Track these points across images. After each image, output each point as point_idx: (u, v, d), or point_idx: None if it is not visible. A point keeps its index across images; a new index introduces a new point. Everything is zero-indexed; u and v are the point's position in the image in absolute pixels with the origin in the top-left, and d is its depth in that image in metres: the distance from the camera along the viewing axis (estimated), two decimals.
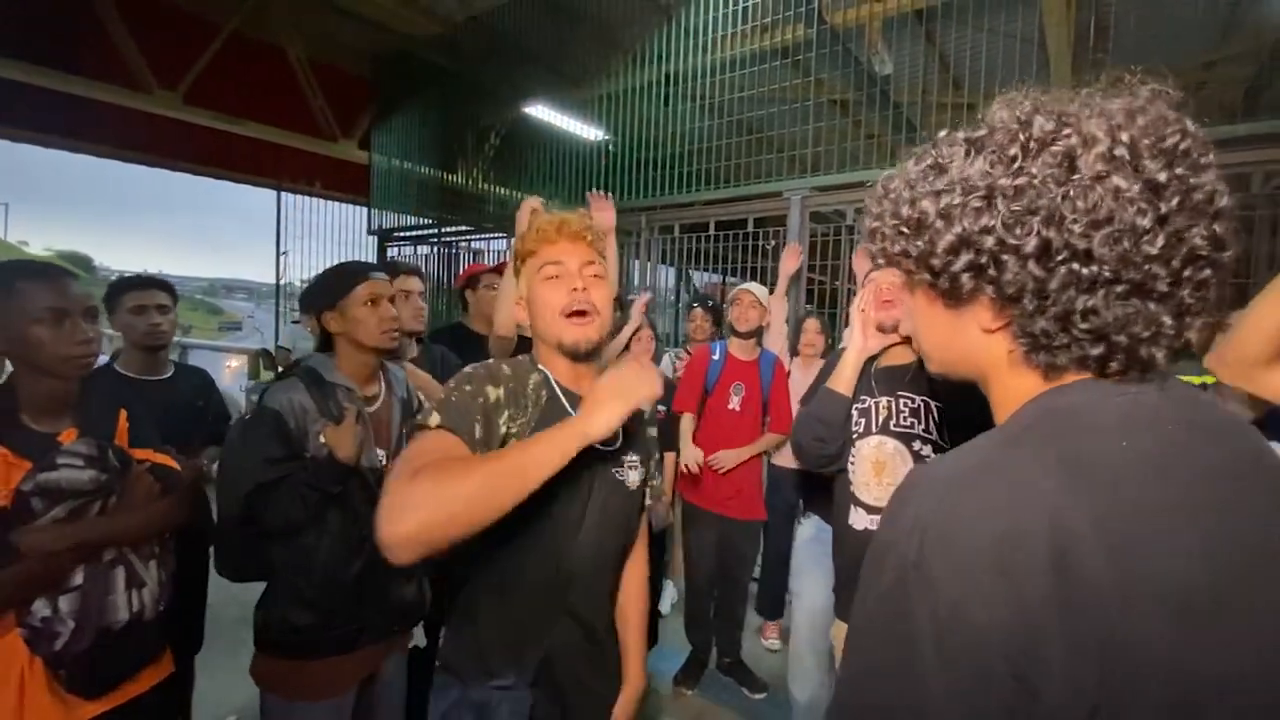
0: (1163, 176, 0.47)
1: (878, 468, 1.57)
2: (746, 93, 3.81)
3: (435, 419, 0.92)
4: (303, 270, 6.33)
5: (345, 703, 1.47)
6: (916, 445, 1.53)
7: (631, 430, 1.14)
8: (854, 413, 1.64)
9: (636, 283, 4.46)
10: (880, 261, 0.64)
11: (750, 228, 3.83)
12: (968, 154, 0.54)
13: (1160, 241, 0.47)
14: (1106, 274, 0.48)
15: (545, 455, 0.83)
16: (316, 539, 1.41)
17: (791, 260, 3.11)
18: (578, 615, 1.06)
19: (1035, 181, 0.49)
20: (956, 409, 1.47)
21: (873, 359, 1.67)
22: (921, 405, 1.55)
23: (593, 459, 1.04)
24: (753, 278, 3.70)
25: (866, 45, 4.07)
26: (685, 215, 4.13)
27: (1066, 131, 0.49)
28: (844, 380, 1.61)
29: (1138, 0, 3.35)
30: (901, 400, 1.56)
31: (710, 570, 2.78)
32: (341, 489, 1.41)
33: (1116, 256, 0.47)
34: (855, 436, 1.62)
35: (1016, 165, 0.50)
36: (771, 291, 2.96)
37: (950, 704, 0.44)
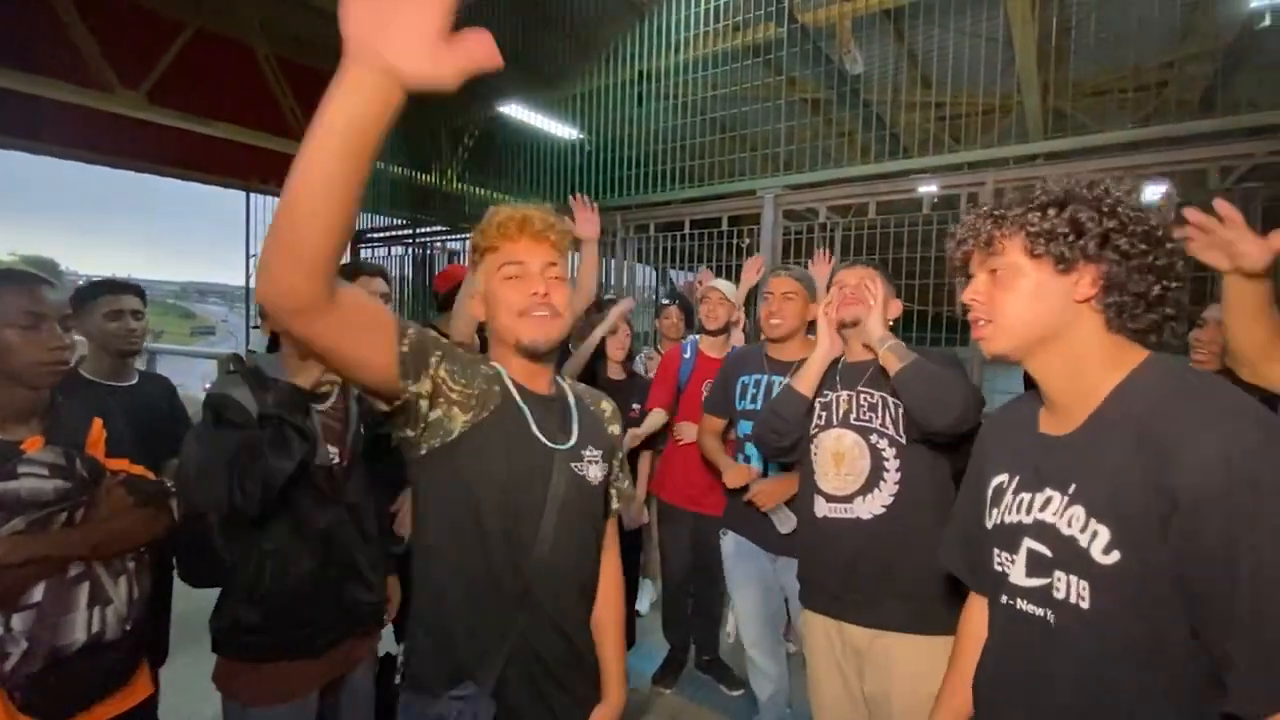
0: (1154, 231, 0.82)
1: (837, 459, 1.63)
2: (720, 91, 3.83)
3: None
4: None
5: (307, 707, 1.44)
6: (873, 438, 1.58)
7: (587, 424, 1.12)
8: (817, 406, 1.69)
9: (614, 282, 4.45)
10: (988, 233, 0.87)
11: (725, 226, 3.85)
12: (1071, 189, 0.84)
13: (1179, 257, 0.81)
14: (1168, 262, 0.79)
15: (334, 85, 0.66)
16: (266, 538, 1.39)
17: (751, 273, 3.05)
18: (544, 617, 1.02)
19: (1128, 203, 0.82)
20: None
21: (838, 357, 1.71)
22: (880, 400, 1.59)
23: (551, 454, 1.03)
24: (728, 276, 3.71)
25: (837, 44, 4.11)
26: (661, 214, 4.13)
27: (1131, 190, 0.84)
28: (806, 380, 1.66)
29: (1099, 1, 3.42)
30: (861, 395, 1.62)
31: (686, 568, 2.78)
32: (305, 420, 1.36)
33: (1171, 252, 0.80)
34: (818, 429, 1.67)
35: (1115, 199, 0.82)
36: (761, 287, 2.97)
37: None
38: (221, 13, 5.55)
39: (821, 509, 1.63)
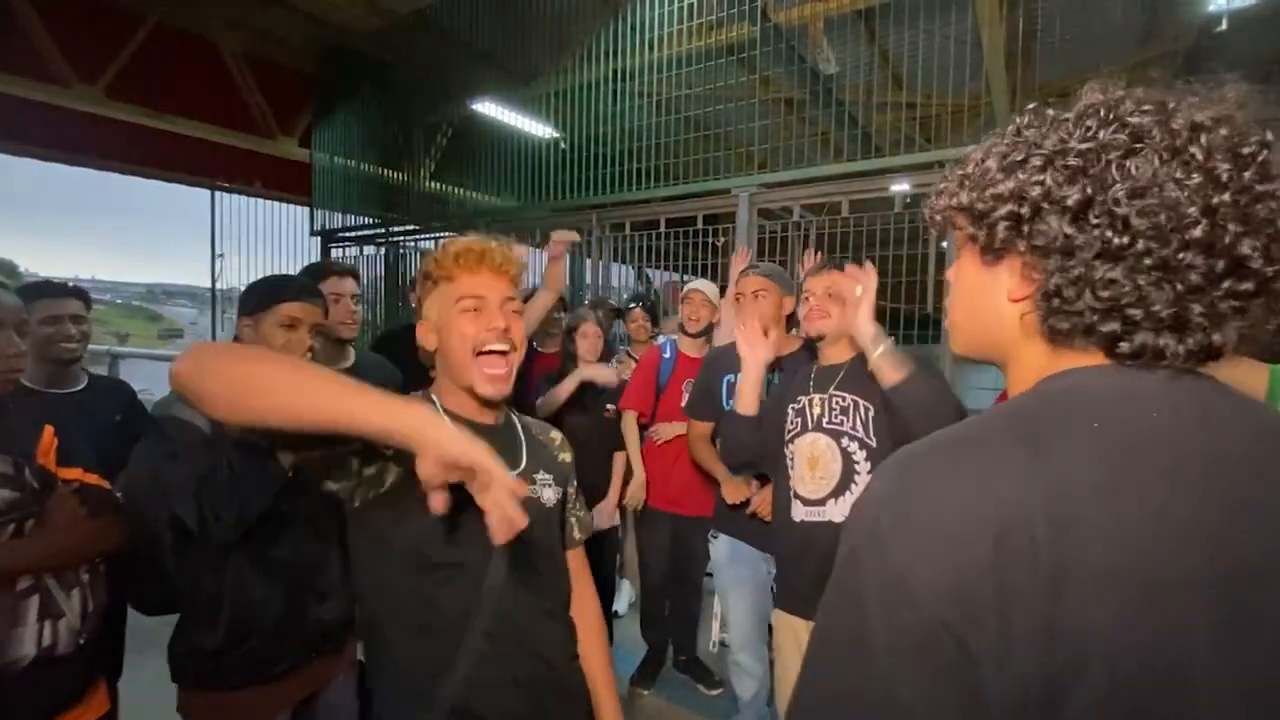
0: (1225, 175, 0.47)
1: (811, 463, 1.65)
2: (695, 90, 3.82)
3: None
4: (242, 274, 6.07)
5: None
6: (844, 442, 1.61)
7: (536, 451, 1.11)
8: (791, 412, 1.71)
9: (589, 281, 4.43)
10: (940, 218, 0.64)
11: (700, 224, 3.85)
12: (1049, 124, 0.55)
13: (1199, 232, 0.46)
14: (1138, 246, 0.47)
15: (373, 405, 0.74)
16: (223, 563, 1.34)
17: (740, 264, 3.04)
18: (510, 643, 0.98)
19: (1097, 146, 0.50)
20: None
21: (813, 358, 1.73)
22: (851, 404, 1.61)
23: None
24: (703, 275, 3.71)
25: (810, 44, 4.13)
26: (636, 213, 4.12)
27: (1148, 108, 0.50)
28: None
29: (1065, 4, 3.48)
30: (834, 399, 1.64)
31: (664, 569, 2.77)
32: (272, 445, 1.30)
33: (1151, 230, 0.47)
34: (794, 434, 1.69)
35: (1089, 132, 0.51)
36: (723, 293, 2.95)
37: (895, 662, 0.45)
38: (184, 6, 5.39)
39: (798, 513, 1.65)
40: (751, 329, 1.67)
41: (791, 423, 1.71)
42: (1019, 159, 0.54)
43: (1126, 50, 4.45)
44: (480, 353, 0.99)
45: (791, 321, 2.10)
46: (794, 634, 1.67)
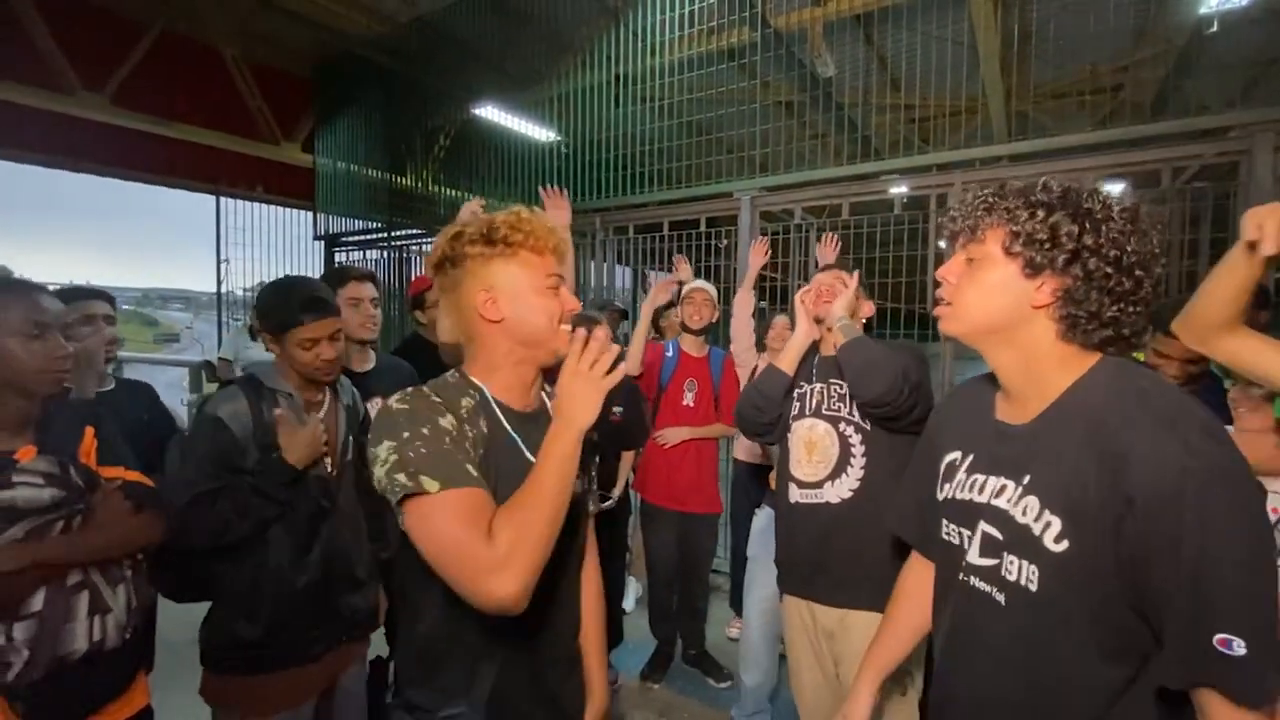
0: (1160, 254, 0.84)
1: (809, 447, 1.71)
2: (696, 94, 3.88)
3: (432, 483, 0.83)
4: (245, 278, 6.11)
5: (301, 715, 1.45)
6: (842, 427, 1.68)
7: None
8: (793, 396, 1.77)
9: (593, 283, 4.48)
10: (973, 227, 0.89)
11: (703, 227, 3.90)
12: (1072, 191, 0.85)
13: (1148, 284, 0.82)
14: (1130, 288, 0.81)
15: (564, 460, 0.89)
16: (262, 552, 1.39)
17: (759, 256, 2.96)
18: (540, 629, 1.00)
19: (1116, 225, 0.81)
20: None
21: (815, 350, 1.80)
22: (849, 391, 1.67)
23: (527, 470, 1.00)
24: (706, 277, 3.76)
25: (809, 48, 4.19)
26: (639, 216, 4.17)
27: (1129, 203, 0.84)
28: (787, 360, 1.77)
29: (1058, 8, 3.55)
30: (832, 386, 1.71)
31: (671, 565, 2.83)
32: (287, 498, 1.39)
33: (1139, 280, 0.81)
34: (793, 418, 1.76)
35: (1105, 210, 0.82)
36: (723, 295, 3.00)
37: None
38: (188, 14, 5.44)
39: (794, 495, 1.72)
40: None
41: (793, 406, 1.77)
42: (1071, 213, 0.82)
43: (1120, 51, 4.52)
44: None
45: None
46: (800, 619, 1.72)
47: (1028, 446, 0.86)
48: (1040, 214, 0.83)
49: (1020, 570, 0.84)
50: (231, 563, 1.39)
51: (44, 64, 4.78)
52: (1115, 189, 2.90)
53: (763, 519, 2.36)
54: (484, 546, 0.80)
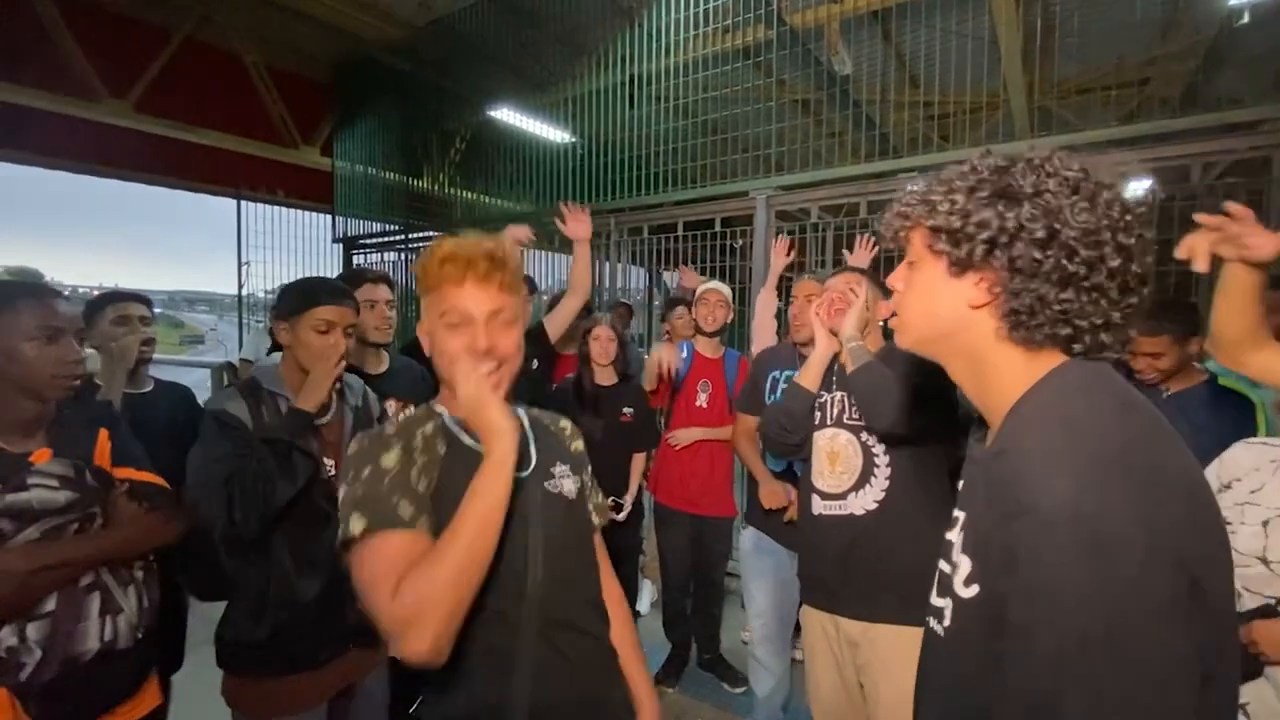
0: (1124, 222, 0.67)
1: (832, 458, 1.68)
2: (711, 94, 3.86)
3: (359, 525, 0.87)
4: (266, 280, 6.19)
5: (314, 717, 1.45)
6: (864, 437, 1.64)
7: (547, 445, 1.11)
8: (813, 406, 1.73)
9: (607, 284, 4.47)
10: (896, 233, 0.80)
11: (718, 227, 3.88)
12: (1003, 169, 0.71)
13: (1115, 262, 0.66)
14: (1081, 271, 0.66)
15: (492, 500, 0.86)
16: (268, 554, 1.40)
17: (781, 256, 2.84)
18: (563, 636, 0.99)
19: (1049, 193, 0.67)
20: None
21: (835, 358, 1.75)
22: (863, 422, 1.62)
23: (517, 483, 0.98)
24: (721, 277, 3.74)
25: (826, 46, 4.15)
26: (654, 216, 4.16)
27: (1074, 166, 0.69)
28: (810, 377, 1.72)
29: (1082, 1, 3.47)
30: (853, 397, 1.66)
31: (685, 569, 2.80)
32: (296, 441, 1.37)
33: (1089, 260, 0.66)
34: (813, 429, 1.72)
35: (1037, 181, 0.68)
36: (737, 295, 2.96)
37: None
38: (210, 21, 5.53)
39: (817, 506, 1.68)
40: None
41: (812, 418, 1.73)
42: (987, 194, 0.69)
43: (1146, 45, 4.42)
44: None
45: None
46: (821, 628, 1.69)
47: (977, 475, 0.76)
48: (955, 201, 0.71)
49: (945, 612, 0.76)
50: (245, 563, 1.40)
51: (72, 72, 4.89)
52: (1142, 184, 2.82)
53: (749, 539, 2.31)
54: (389, 603, 0.80)
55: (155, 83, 5.33)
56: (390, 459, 0.93)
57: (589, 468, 1.22)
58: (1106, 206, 0.66)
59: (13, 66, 4.61)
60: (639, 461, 2.79)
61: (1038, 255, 0.66)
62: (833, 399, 1.72)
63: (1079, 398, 0.67)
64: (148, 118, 5.33)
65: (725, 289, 2.81)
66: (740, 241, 3.85)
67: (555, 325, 2.72)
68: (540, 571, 0.98)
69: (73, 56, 4.87)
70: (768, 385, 2.17)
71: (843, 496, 1.63)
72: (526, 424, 1.11)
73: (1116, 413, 0.66)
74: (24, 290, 1.18)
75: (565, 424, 1.23)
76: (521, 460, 1.03)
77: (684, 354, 2.83)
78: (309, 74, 6.45)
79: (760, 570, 2.22)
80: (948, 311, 0.74)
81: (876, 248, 2.65)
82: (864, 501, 1.60)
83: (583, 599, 1.07)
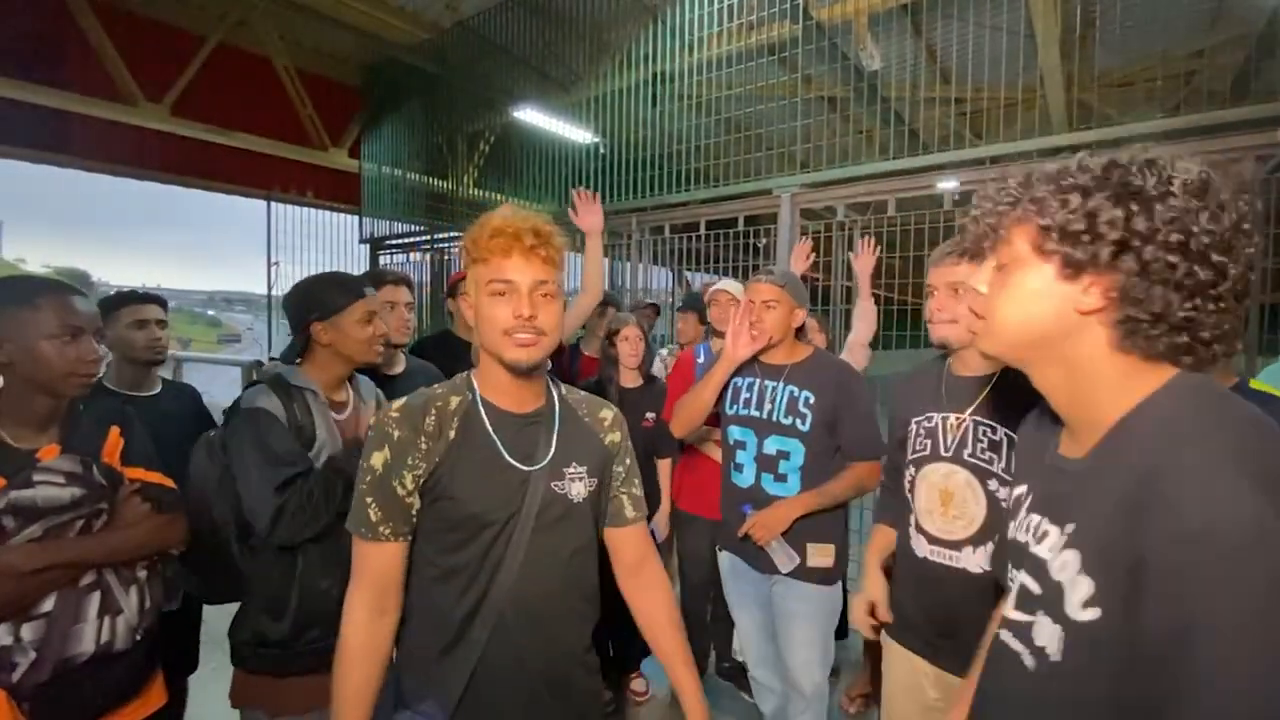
0: (1246, 231, 0.64)
1: (945, 497, 1.40)
2: (735, 91, 3.80)
3: (349, 521, 1.03)
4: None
5: (329, 716, 1.44)
6: (992, 485, 1.34)
7: (572, 439, 1.09)
8: (915, 428, 1.47)
9: (630, 284, 4.44)
10: (995, 228, 0.75)
11: (741, 226, 3.81)
12: (1119, 166, 0.67)
13: (1237, 269, 0.64)
14: (1209, 278, 0.62)
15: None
16: (290, 552, 1.38)
17: (801, 261, 2.70)
18: (522, 640, 1.00)
19: (1174, 195, 0.63)
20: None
21: (945, 363, 1.50)
22: (1005, 438, 1.33)
23: (525, 474, 1.02)
24: (744, 276, 3.67)
25: (854, 40, 4.06)
26: (676, 215, 4.11)
27: (1198, 169, 0.65)
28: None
29: None
30: (981, 428, 1.38)
31: (705, 575, 2.74)
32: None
33: (1220, 267, 0.63)
34: (920, 457, 1.45)
35: (1159, 183, 0.64)
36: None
37: None
38: (242, 26, 5.66)
39: (922, 549, 1.44)
40: (742, 333, 1.75)
41: (919, 443, 1.44)
42: (1110, 194, 0.65)
43: (1192, 36, 4.23)
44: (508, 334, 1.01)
45: (800, 332, 1.99)
46: (912, 673, 1.47)
47: (1077, 489, 0.71)
48: (1074, 200, 0.67)
49: (1048, 633, 0.70)
50: (265, 565, 1.39)
51: (109, 77, 5.04)
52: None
53: (725, 561, 2.12)
54: (353, 595, 1.04)
55: (190, 87, 5.47)
56: (379, 459, 0.99)
57: (626, 459, 1.19)
58: (1232, 210, 0.63)
59: (55, 73, 4.77)
60: (665, 469, 2.72)
61: (1173, 259, 0.63)
62: (946, 421, 1.41)
63: (1217, 411, 0.64)
64: (183, 121, 5.47)
65: (737, 288, 2.71)
66: (764, 240, 3.79)
67: (567, 326, 2.68)
68: (515, 571, 1.00)
69: (111, 62, 5.01)
70: (728, 393, 2.01)
71: (956, 547, 1.38)
72: (557, 411, 1.11)
73: (1256, 426, 0.62)
74: (46, 287, 1.18)
75: (607, 414, 1.19)
76: (539, 451, 1.05)
77: (700, 359, 2.76)
78: (337, 77, 6.57)
79: (742, 595, 2.08)
80: (1052, 316, 0.70)
81: (878, 249, 2.58)
82: (982, 560, 1.34)
83: (563, 608, 1.07)
